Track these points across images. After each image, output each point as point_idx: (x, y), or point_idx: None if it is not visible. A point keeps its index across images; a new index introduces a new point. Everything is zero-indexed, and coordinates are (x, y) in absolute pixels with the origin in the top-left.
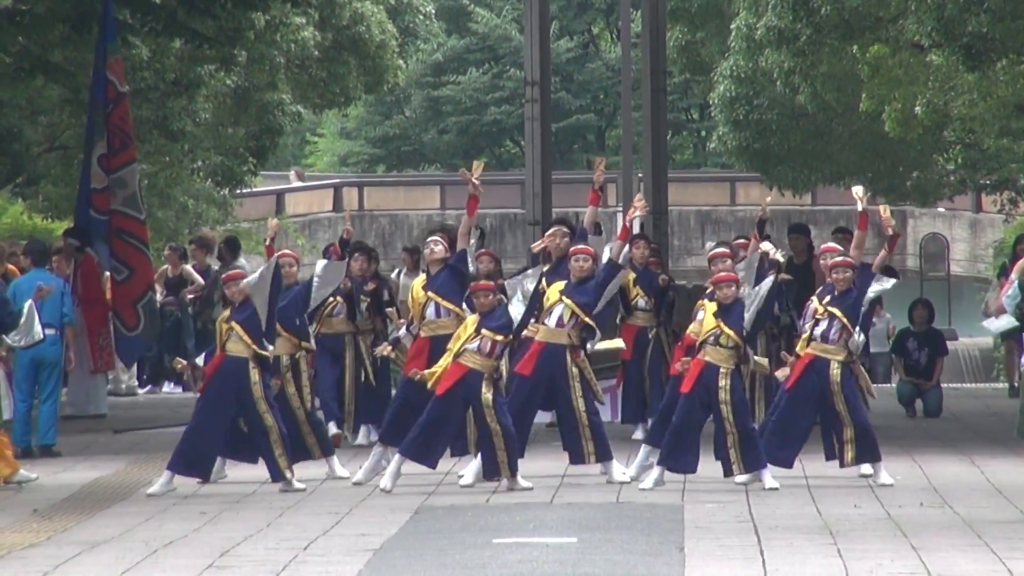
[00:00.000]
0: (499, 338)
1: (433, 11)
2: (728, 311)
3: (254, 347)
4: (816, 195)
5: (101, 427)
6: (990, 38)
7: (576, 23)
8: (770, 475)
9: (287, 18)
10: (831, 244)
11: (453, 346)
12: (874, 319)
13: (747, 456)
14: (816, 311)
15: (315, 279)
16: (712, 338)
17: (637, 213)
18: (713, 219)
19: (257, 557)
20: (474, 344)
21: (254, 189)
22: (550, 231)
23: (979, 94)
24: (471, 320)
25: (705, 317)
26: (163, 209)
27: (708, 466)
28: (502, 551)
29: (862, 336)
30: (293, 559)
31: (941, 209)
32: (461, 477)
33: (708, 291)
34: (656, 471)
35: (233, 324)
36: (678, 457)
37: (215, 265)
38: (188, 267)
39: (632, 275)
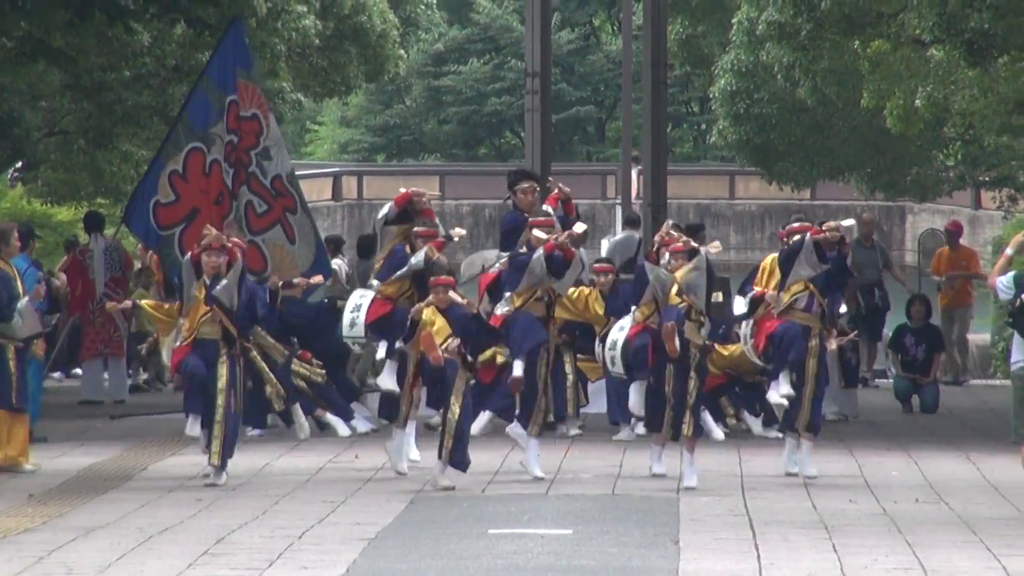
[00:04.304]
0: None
1: (435, 1)
2: (689, 284)
3: (231, 328)
4: (816, 190)
5: (98, 413)
6: (992, 34)
7: (577, 15)
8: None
9: (288, 6)
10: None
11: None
12: None
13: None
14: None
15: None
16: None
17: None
18: (712, 212)
19: (252, 545)
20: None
21: None
22: (523, 186)
23: (980, 90)
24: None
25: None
26: None
27: (705, 457)
28: (497, 541)
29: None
30: (288, 547)
31: (940, 205)
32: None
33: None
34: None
35: (213, 307)
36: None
37: None
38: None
39: None
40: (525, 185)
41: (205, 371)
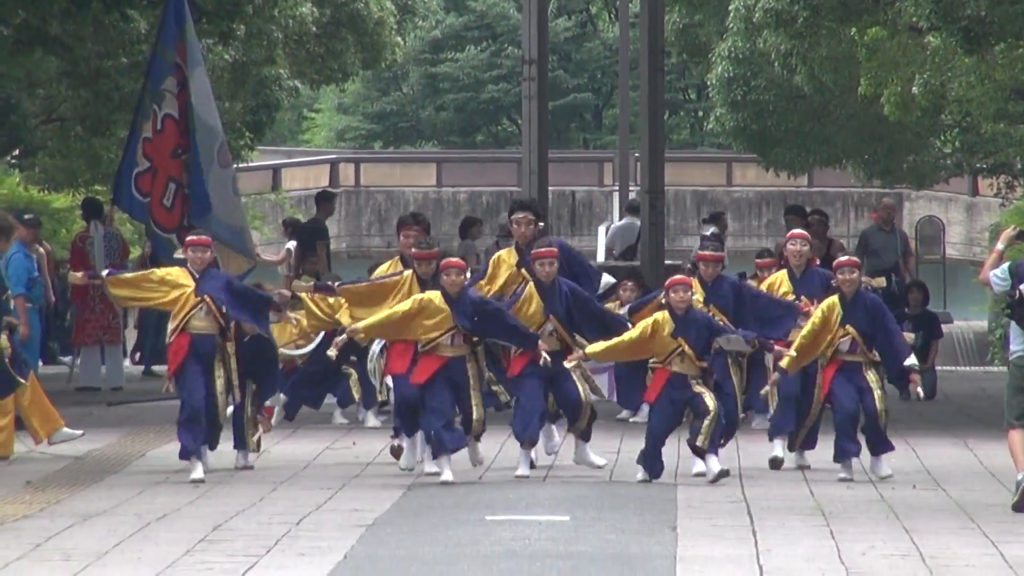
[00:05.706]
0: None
1: None
2: (685, 323)
3: (221, 321)
4: (813, 177)
5: (95, 400)
6: (988, 21)
7: (574, 2)
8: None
9: None
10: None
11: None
12: None
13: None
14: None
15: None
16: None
17: None
18: (709, 199)
19: (250, 531)
20: (447, 339)
21: (251, 164)
22: (518, 216)
23: (977, 77)
24: (434, 297)
25: (659, 334)
26: None
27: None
28: (495, 528)
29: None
30: (286, 534)
31: (937, 192)
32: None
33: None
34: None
35: (205, 298)
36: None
37: None
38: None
39: None
40: (519, 216)
41: (200, 402)
